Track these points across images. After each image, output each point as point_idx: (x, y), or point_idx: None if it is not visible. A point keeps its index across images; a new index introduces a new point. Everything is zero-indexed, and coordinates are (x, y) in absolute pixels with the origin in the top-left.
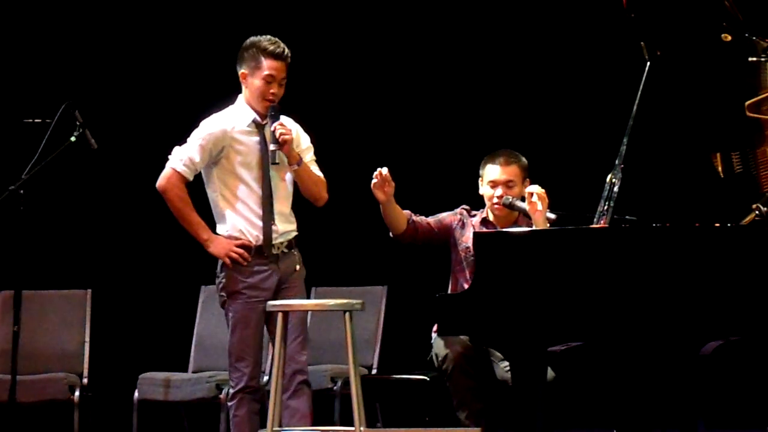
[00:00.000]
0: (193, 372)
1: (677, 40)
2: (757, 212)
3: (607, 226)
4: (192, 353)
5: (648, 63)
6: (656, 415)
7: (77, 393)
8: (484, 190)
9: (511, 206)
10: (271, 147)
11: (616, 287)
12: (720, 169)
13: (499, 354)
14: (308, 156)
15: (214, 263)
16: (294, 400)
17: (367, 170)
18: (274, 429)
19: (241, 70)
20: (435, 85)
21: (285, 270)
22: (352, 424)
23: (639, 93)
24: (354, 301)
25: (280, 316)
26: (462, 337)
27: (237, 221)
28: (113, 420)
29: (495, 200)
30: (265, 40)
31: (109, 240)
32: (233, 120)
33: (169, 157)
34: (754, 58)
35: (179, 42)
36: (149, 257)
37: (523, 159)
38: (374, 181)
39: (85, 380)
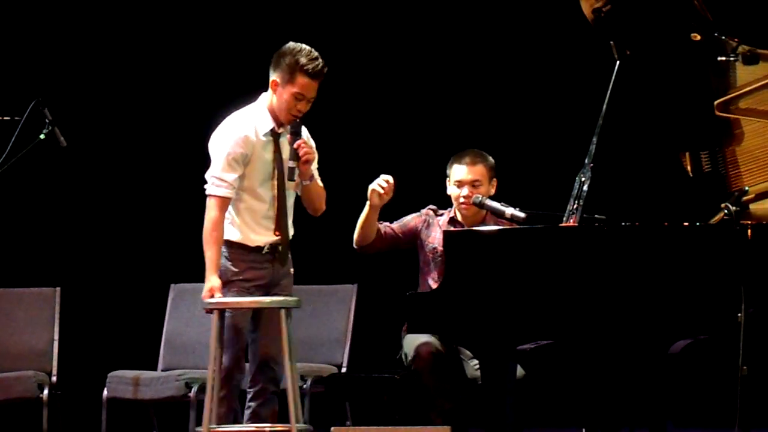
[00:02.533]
0: (163, 370)
1: (646, 39)
2: (725, 211)
3: (576, 224)
4: (161, 351)
5: (617, 62)
6: (625, 414)
7: (46, 391)
8: (451, 189)
9: (481, 205)
10: (290, 164)
11: (585, 286)
12: (689, 168)
13: (468, 352)
14: (314, 166)
15: (184, 261)
16: (266, 407)
17: (339, 170)
18: (210, 427)
19: (273, 77)
20: (406, 86)
21: (280, 270)
22: (323, 423)
23: (608, 92)
24: (290, 299)
25: (216, 314)
26: (431, 335)
27: (240, 228)
28: (82, 418)
29: (462, 200)
30: (305, 55)
31: (78, 238)
32: (255, 124)
33: (205, 187)
34: (723, 58)
35: (149, 38)
36: (118, 255)
37: (490, 158)
38: (378, 187)
39: (54, 378)
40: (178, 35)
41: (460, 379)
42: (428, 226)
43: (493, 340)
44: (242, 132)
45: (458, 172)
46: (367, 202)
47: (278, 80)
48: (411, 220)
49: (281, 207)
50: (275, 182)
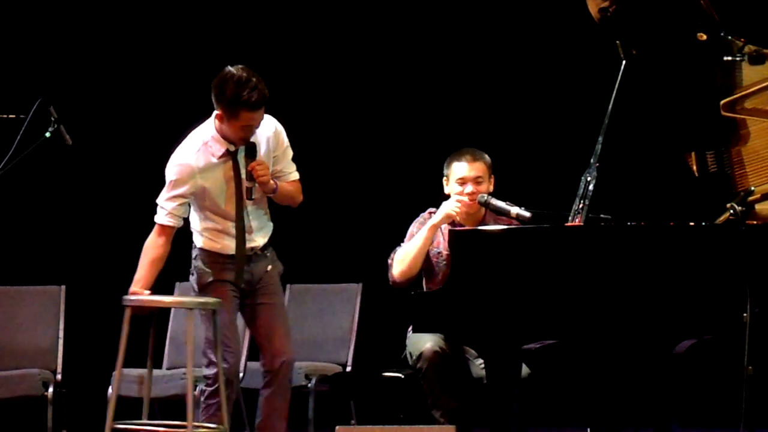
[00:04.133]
0: (168, 368)
1: (653, 39)
2: (731, 211)
3: (582, 224)
4: (166, 350)
5: (623, 62)
6: (630, 413)
7: (51, 389)
8: (452, 188)
9: (486, 204)
10: (247, 184)
11: (591, 286)
12: (694, 168)
13: (474, 352)
14: (285, 162)
15: (189, 260)
16: (277, 396)
17: (342, 168)
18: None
19: (217, 111)
20: (409, 83)
21: (256, 271)
22: (328, 422)
23: (614, 92)
24: (211, 300)
25: (127, 311)
26: (437, 334)
27: (209, 241)
28: (87, 416)
29: (464, 197)
30: (244, 87)
31: (84, 236)
32: (205, 151)
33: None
34: (729, 58)
35: (154, 37)
36: (123, 253)
37: (487, 156)
38: (456, 208)
39: (59, 376)
40: (182, 33)
41: (465, 378)
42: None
43: (498, 339)
44: (189, 161)
45: (460, 169)
46: (427, 227)
47: (222, 114)
48: (417, 230)
49: (239, 224)
50: (235, 199)
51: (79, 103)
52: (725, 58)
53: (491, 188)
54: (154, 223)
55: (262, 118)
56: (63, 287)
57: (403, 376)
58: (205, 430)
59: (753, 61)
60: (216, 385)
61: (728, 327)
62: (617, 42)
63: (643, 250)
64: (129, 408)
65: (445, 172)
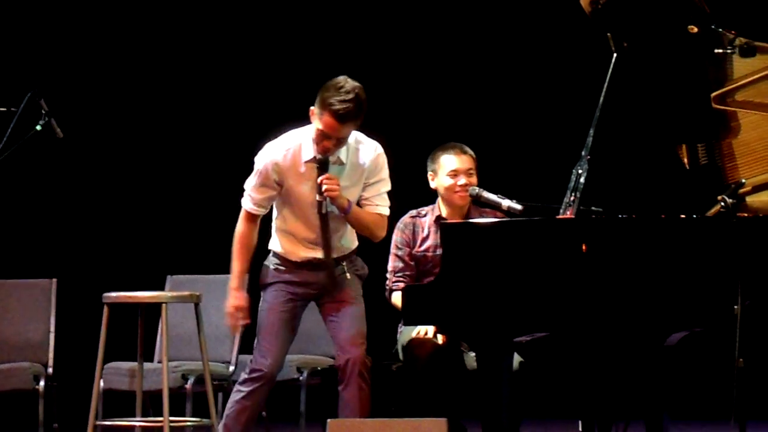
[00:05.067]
0: (159, 362)
1: (644, 31)
2: (722, 204)
3: (573, 217)
4: (158, 343)
5: (615, 54)
6: (621, 406)
7: (42, 383)
8: (442, 181)
9: (477, 197)
10: (318, 198)
11: (582, 278)
12: (686, 160)
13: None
14: (373, 190)
15: (181, 253)
16: (347, 391)
17: None
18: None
19: (312, 107)
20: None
21: (323, 278)
22: (320, 415)
23: (605, 85)
24: (186, 294)
25: (105, 310)
26: (430, 327)
27: (283, 244)
28: (78, 410)
29: (457, 188)
30: (339, 93)
31: (75, 229)
32: (296, 152)
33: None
34: (720, 50)
35: (144, 30)
36: (115, 246)
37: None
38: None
39: (50, 370)
40: (171, 26)
41: (459, 370)
42: (414, 234)
43: (489, 332)
44: (277, 158)
45: (450, 162)
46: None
47: (313, 110)
48: (401, 241)
49: (324, 232)
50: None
51: (70, 97)
52: (716, 51)
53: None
54: (240, 209)
55: (344, 134)
56: (54, 281)
57: (393, 369)
58: (185, 423)
59: (744, 54)
60: (244, 379)
61: (719, 319)
62: (608, 34)
63: (634, 243)
64: (120, 401)
65: (431, 167)
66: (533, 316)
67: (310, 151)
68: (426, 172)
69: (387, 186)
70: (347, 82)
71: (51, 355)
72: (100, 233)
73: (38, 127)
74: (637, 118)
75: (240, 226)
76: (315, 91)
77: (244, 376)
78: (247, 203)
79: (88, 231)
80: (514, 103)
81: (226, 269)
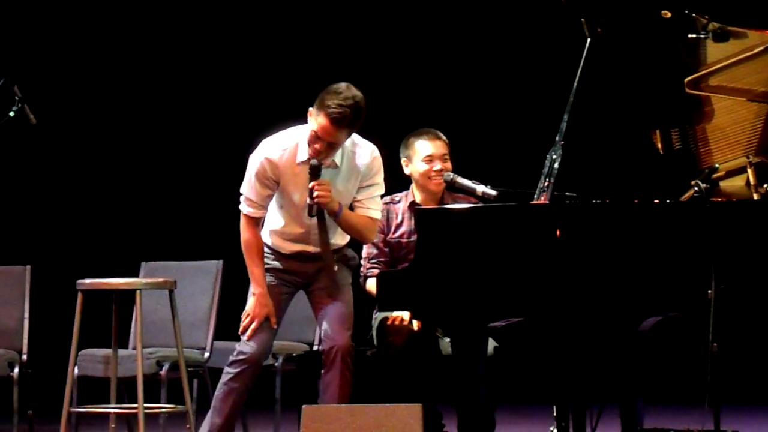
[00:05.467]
0: (134, 348)
1: (617, 16)
2: (695, 189)
3: (547, 202)
4: (132, 330)
5: (588, 40)
6: (596, 391)
7: (16, 370)
8: (417, 167)
9: (452, 182)
10: (308, 201)
11: (556, 263)
12: (659, 145)
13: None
14: (366, 193)
15: (155, 239)
16: (329, 376)
17: None
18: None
19: (311, 107)
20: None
21: (311, 268)
22: (295, 401)
23: (579, 70)
24: (160, 280)
25: (79, 297)
26: (405, 313)
27: (273, 239)
28: (53, 396)
29: (432, 174)
30: (335, 97)
31: (49, 215)
32: (291, 151)
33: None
34: (694, 35)
35: (119, 15)
36: (89, 233)
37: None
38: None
39: (25, 357)
40: (147, 13)
41: (433, 356)
42: (388, 220)
43: (464, 317)
44: (271, 156)
45: (425, 147)
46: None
47: (312, 112)
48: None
49: (322, 232)
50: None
51: (44, 83)
52: (690, 36)
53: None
54: (239, 214)
55: (337, 139)
56: (28, 267)
57: (368, 355)
58: (160, 410)
59: (717, 39)
60: (231, 361)
61: (693, 304)
62: (582, 20)
63: (608, 228)
64: (95, 388)
65: (405, 152)
66: (508, 301)
67: (305, 153)
68: (399, 159)
69: (380, 190)
70: (349, 90)
71: (25, 341)
72: (74, 220)
73: (11, 114)
74: (610, 103)
75: (245, 233)
76: (296, 84)
77: (231, 358)
78: (246, 207)
79: (61, 217)
80: (487, 88)
81: (200, 256)
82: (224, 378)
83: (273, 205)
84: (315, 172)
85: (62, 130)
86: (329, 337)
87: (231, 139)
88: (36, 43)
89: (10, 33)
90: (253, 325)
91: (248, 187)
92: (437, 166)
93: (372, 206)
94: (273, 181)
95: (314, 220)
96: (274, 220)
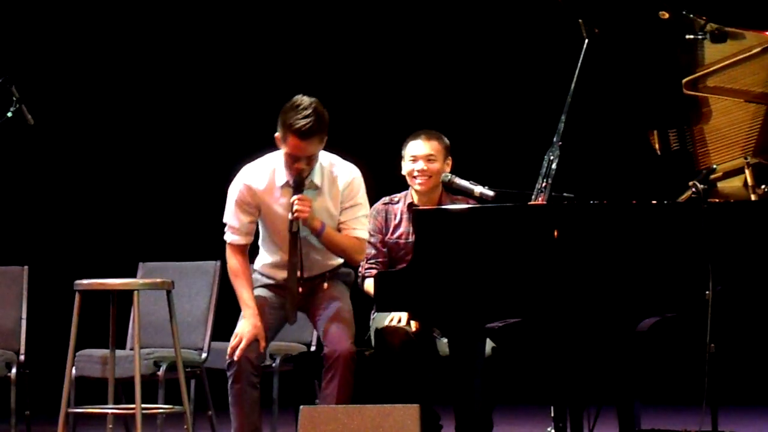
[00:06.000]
0: (131, 349)
1: (615, 17)
2: (693, 189)
3: (545, 203)
4: (130, 330)
5: (586, 41)
6: (593, 391)
7: (14, 370)
8: (404, 166)
9: (450, 183)
10: (289, 216)
11: (554, 264)
12: (657, 146)
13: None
14: (350, 214)
15: (153, 239)
16: (331, 380)
17: None
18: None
19: (276, 133)
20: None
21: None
22: (292, 401)
23: (577, 71)
24: (158, 281)
25: (77, 297)
26: (403, 313)
27: (263, 264)
28: (51, 397)
29: (416, 173)
30: (295, 112)
31: (46, 216)
32: (269, 176)
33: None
34: (692, 36)
35: (116, 17)
36: (87, 233)
37: (446, 139)
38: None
39: (22, 357)
40: (144, 12)
41: (431, 356)
42: (386, 221)
43: (461, 318)
44: (249, 182)
45: (413, 147)
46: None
47: (278, 136)
48: (374, 228)
49: (292, 255)
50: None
51: (41, 83)
52: (687, 37)
53: (447, 170)
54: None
55: (311, 151)
56: (26, 268)
57: (366, 355)
58: (157, 411)
59: (715, 40)
60: (227, 363)
61: (691, 305)
62: (580, 21)
63: (605, 229)
64: (92, 388)
65: (402, 152)
66: (505, 302)
67: (283, 176)
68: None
69: (364, 210)
70: (303, 99)
71: (23, 342)
72: (71, 220)
73: (9, 114)
74: (608, 104)
75: (230, 261)
76: (297, 86)
77: (226, 361)
78: (231, 236)
79: (59, 218)
80: (485, 90)
81: (198, 256)
82: (228, 381)
83: (263, 234)
84: (298, 187)
85: (60, 131)
86: (330, 342)
87: (228, 138)
88: (34, 43)
89: (8, 33)
90: (242, 345)
91: (230, 215)
92: (419, 165)
93: (357, 226)
94: (253, 207)
95: (292, 253)
96: (264, 255)
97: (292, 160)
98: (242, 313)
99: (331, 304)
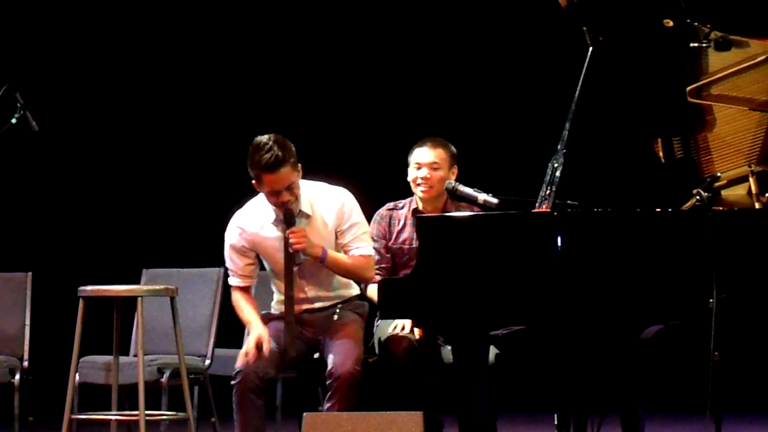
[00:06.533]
0: (135, 355)
1: (619, 25)
2: (697, 197)
3: (549, 210)
4: (133, 337)
5: (590, 48)
6: (597, 399)
7: (17, 376)
8: (410, 172)
9: (453, 190)
10: (290, 250)
11: (558, 271)
12: (661, 154)
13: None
14: (349, 235)
15: (156, 246)
16: (333, 398)
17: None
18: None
19: (252, 180)
20: (374, 73)
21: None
22: (296, 408)
23: (581, 78)
24: (162, 287)
25: (80, 303)
26: (406, 321)
27: (275, 301)
28: (54, 403)
29: (420, 181)
30: (258, 151)
31: (50, 222)
32: (256, 219)
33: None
34: (696, 44)
35: (121, 23)
36: (90, 240)
37: (452, 147)
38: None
39: (26, 363)
40: (148, 18)
41: (435, 364)
42: (390, 226)
43: (465, 325)
44: (242, 225)
45: (418, 155)
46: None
47: (254, 182)
48: (377, 234)
49: (288, 289)
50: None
51: (46, 90)
52: (691, 45)
53: (453, 178)
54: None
55: (287, 181)
56: (29, 274)
57: (370, 362)
58: (161, 417)
59: (719, 47)
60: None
61: (695, 313)
62: (584, 28)
63: (610, 236)
64: (96, 395)
65: (408, 159)
66: (509, 309)
67: (273, 214)
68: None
69: (363, 227)
70: (261, 138)
71: (26, 348)
72: (75, 227)
73: (13, 120)
74: (612, 111)
75: (235, 301)
76: (301, 92)
77: (235, 369)
78: (233, 279)
79: (63, 224)
80: (489, 97)
81: (201, 263)
82: (233, 391)
83: (270, 278)
84: (289, 220)
85: (64, 137)
86: (333, 362)
87: (233, 146)
88: (38, 50)
89: (12, 40)
90: (246, 349)
91: (229, 260)
92: (423, 172)
93: (360, 245)
94: (249, 249)
95: (304, 278)
96: (274, 292)
97: (274, 197)
98: (247, 331)
99: (340, 331)
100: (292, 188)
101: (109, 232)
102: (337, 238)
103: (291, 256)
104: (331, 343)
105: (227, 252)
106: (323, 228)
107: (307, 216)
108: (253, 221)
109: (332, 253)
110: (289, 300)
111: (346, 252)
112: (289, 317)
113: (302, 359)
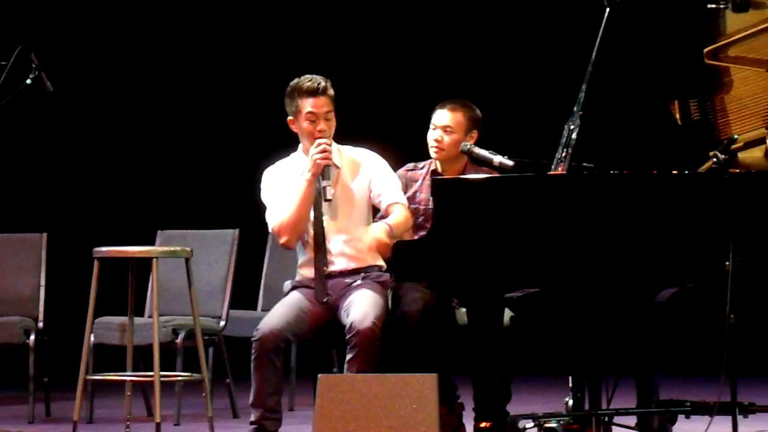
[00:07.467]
0: (150, 317)
1: None
2: (714, 159)
3: (565, 173)
4: (148, 298)
5: (607, 9)
6: (612, 362)
7: (32, 337)
8: (429, 133)
9: (469, 152)
10: (323, 183)
11: (573, 234)
12: (678, 116)
13: None
14: (382, 183)
15: (171, 207)
16: (350, 361)
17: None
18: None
19: (288, 117)
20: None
21: (336, 288)
22: (310, 370)
23: (598, 40)
24: (178, 249)
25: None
26: (420, 284)
27: (302, 271)
28: (69, 364)
29: (432, 142)
30: (299, 80)
31: (65, 183)
32: (291, 169)
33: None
34: (713, 5)
35: None
36: (106, 201)
37: (476, 111)
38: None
39: (41, 324)
40: None
41: (449, 326)
42: (406, 186)
43: (480, 288)
44: (276, 172)
45: (436, 116)
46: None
47: (291, 117)
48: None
49: (318, 230)
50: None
51: (61, 50)
52: (709, 6)
53: (471, 142)
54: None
55: (328, 110)
56: (44, 235)
57: (385, 324)
58: (176, 378)
59: (737, 9)
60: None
61: (710, 275)
62: None
63: (626, 199)
64: (111, 356)
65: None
66: (524, 272)
67: (305, 165)
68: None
69: (396, 180)
70: (300, 77)
71: (41, 309)
72: (90, 188)
73: (28, 81)
74: (629, 73)
75: (276, 227)
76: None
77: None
78: (274, 219)
79: (78, 185)
80: (505, 59)
81: (217, 224)
82: (252, 348)
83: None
84: (326, 174)
85: (79, 98)
86: (353, 321)
87: (249, 105)
88: (52, 10)
89: (27, 0)
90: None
91: (269, 200)
92: (436, 134)
93: (397, 192)
94: (286, 184)
95: (318, 230)
96: (299, 258)
97: (312, 124)
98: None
99: (357, 291)
100: (329, 119)
101: (124, 193)
102: (370, 191)
103: (324, 189)
104: (350, 304)
105: (268, 193)
106: (353, 178)
107: (337, 167)
108: (286, 172)
109: (389, 225)
110: (320, 248)
111: (381, 201)
112: (319, 271)
113: (323, 326)
